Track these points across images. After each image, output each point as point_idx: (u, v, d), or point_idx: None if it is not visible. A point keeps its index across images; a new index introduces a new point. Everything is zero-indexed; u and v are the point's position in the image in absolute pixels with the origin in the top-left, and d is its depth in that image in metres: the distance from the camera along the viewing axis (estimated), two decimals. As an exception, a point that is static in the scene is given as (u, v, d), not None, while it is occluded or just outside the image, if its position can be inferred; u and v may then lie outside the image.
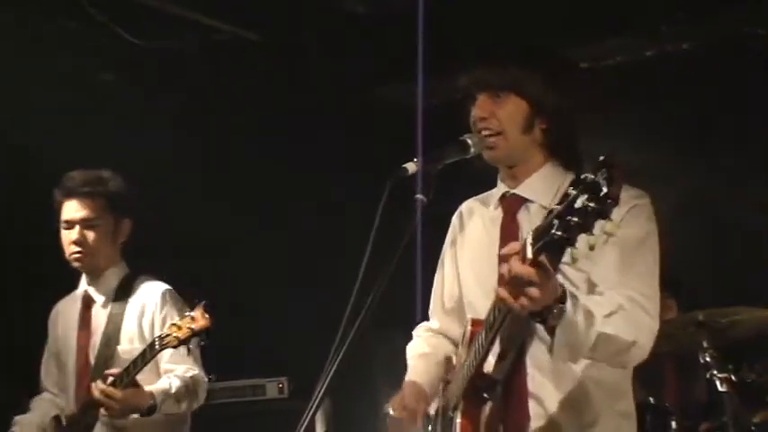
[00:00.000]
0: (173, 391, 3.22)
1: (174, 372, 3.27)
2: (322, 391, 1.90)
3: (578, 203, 1.60)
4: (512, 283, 1.78)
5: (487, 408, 2.16)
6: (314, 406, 1.89)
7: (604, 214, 1.59)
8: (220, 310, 3.03)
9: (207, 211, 4.86)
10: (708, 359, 3.63)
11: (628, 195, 2.15)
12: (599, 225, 1.61)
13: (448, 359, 2.41)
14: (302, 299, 4.85)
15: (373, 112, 5.16)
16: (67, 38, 4.38)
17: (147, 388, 3.17)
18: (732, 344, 3.77)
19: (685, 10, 4.65)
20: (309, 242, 4.95)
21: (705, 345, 3.65)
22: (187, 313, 3.07)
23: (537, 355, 2.14)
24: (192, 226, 4.82)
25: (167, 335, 3.05)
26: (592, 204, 1.58)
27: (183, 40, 4.61)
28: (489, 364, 2.17)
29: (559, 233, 1.63)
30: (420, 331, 2.58)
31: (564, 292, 1.88)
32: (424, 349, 2.50)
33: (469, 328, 2.23)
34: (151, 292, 3.40)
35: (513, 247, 1.80)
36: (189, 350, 3.13)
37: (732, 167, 4.75)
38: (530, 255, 1.73)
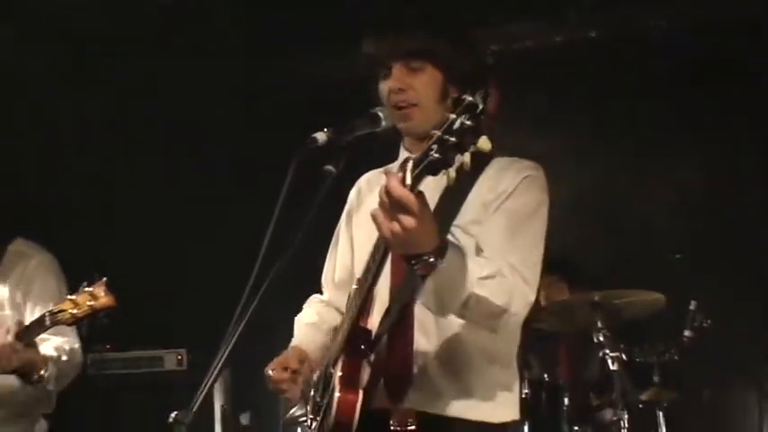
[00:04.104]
0: (61, 365, 3.01)
1: (52, 342, 3.04)
2: (220, 363, 1.86)
3: (456, 125, 1.64)
4: (388, 207, 1.76)
5: (368, 363, 2.13)
6: (212, 378, 1.85)
7: (479, 130, 1.64)
8: (119, 277, 2.91)
9: (109, 175, 4.73)
10: (601, 338, 3.76)
11: (522, 166, 2.21)
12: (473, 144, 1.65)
13: (334, 329, 2.38)
14: (204, 268, 4.77)
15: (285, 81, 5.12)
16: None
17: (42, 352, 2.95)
18: (624, 324, 3.91)
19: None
20: (212, 210, 4.87)
21: (599, 325, 3.77)
22: (86, 288, 2.81)
23: (422, 316, 2.14)
24: (89, 188, 4.68)
25: (61, 310, 2.80)
26: (468, 122, 1.62)
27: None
28: (374, 321, 2.16)
29: (437, 155, 1.65)
30: (310, 302, 2.57)
31: (444, 246, 1.87)
32: (312, 318, 2.48)
33: (354, 287, 2.22)
34: (30, 258, 3.20)
35: (394, 173, 1.78)
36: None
37: (630, 155, 4.91)
38: (409, 180, 1.72)
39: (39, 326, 2.85)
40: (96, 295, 2.79)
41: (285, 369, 2.24)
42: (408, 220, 1.74)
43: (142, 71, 4.71)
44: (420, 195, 1.75)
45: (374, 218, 1.80)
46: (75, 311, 2.79)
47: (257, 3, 4.65)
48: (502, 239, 2.09)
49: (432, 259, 1.84)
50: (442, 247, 1.86)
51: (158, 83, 4.70)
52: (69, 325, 2.87)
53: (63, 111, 4.61)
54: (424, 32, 2.18)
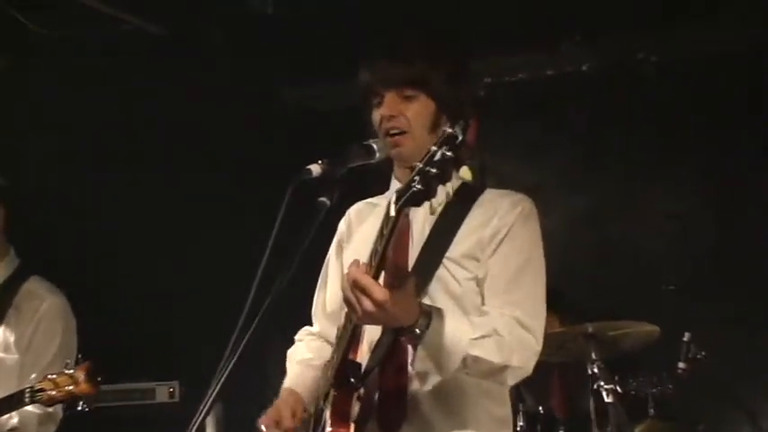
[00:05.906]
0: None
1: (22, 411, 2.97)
2: (213, 395, 1.85)
3: (437, 156, 1.69)
4: (352, 291, 1.85)
5: (357, 397, 2.13)
6: (204, 410, 1.84)
7: (460, 160, 1.72)
8: (111, 310, 2.89)
9: (101, 205, 4.72)
10: (595, 370, 3.74)
11: (514, 200, 2.22)
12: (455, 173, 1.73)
13: (326, 363, 2.35)
14: (196, 300, 4.75)
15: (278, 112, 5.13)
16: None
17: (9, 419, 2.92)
18: (618, 356, 3.89)
19: (584, 32, 4.82)
20: (205, 241, 4.85)
21: (593, 356, 3.76)
22: (69, 370, 2.76)
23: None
24: (82, 217, 4.67)
25: (40, 389, 2.74)
26: (449, 153, 1.68)
27: (86, 31, 4.48)
28: (364, 352, 2.16)
29: (419, 186, 1.70)
30: (302, 335, 2.55)
31: (428, 316, 1.91)
32: (304, 355, 2.46)
33: (343, 320, 2.21)
34: (42, 300, 3.18)
35: (356, 263, 1.86)
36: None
37: (622, 186, 4.92)
38: (393, 212, 1.78)
39: (18, 401, 2.80)
40: (77, 380, 2.72)
41: (277, 423, 2.22)
42: (367, 303, 1.82)
43: (143, 77, 4.72)
44: (399, 270, 1.82)
45: (344, 295, 1.88)
46: (53, 393, 2.73)
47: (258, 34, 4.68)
48: (504, 290, 2.11)
49: (417, 331, 1.91)
50: (425, 318, 1.92)
51: (158, 89, 4.72)
52: (46, 406, 2.80)
53: (60, 116, 4.61)
54: (420, 62, 2.19)
